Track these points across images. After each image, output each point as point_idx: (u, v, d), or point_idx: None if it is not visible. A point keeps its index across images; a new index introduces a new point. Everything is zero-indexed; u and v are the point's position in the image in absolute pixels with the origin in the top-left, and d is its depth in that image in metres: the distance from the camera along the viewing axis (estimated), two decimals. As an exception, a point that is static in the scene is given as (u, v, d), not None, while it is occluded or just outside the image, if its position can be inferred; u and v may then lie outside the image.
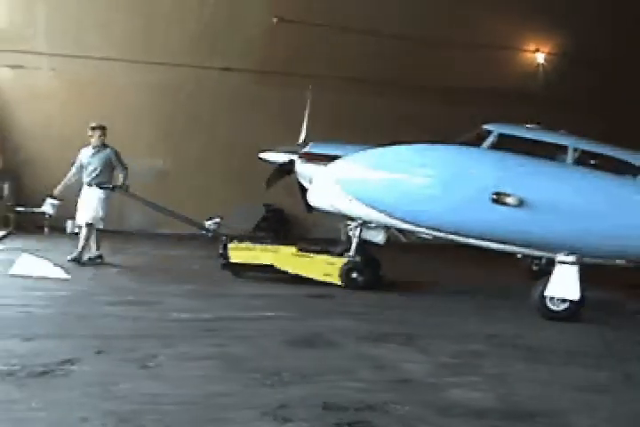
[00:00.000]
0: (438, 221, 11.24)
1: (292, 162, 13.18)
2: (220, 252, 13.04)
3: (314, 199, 12.72)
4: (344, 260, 12.68)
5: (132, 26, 19.48)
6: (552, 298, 10.98)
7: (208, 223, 13.60)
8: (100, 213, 13.44)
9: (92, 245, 13.60)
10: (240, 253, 12.96)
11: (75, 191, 13.60)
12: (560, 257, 10.82)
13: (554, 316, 11.01)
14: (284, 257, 12.88)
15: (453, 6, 20.27)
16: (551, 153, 11.50)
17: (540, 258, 11.59)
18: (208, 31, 19.73)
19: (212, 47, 19.82)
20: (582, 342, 10.04)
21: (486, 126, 11.66)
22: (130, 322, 9.14)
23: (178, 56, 19.54)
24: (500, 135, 11.38)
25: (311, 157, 12.81)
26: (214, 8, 19.71)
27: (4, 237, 16.65)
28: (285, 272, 12.74)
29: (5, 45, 18.65)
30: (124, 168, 13.71)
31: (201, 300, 11.07)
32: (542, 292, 10.99)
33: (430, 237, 12.12)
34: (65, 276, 11.92)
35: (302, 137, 13.37)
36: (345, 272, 12.55)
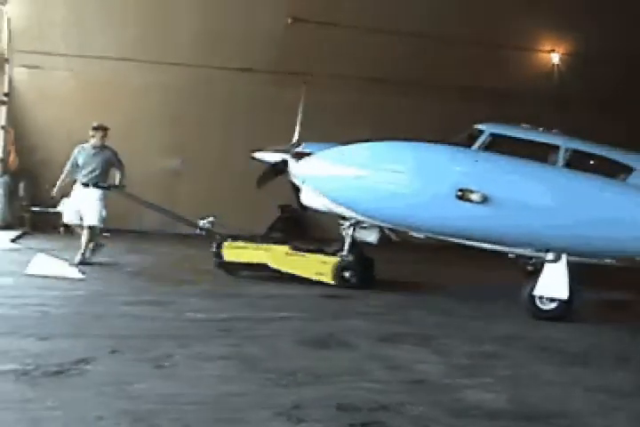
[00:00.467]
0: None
1: (285, 162, 13.20)
2: (214, 251, 13.05)
3: (307, 199, 12.79)
4: (337, 259, 12.67)
5: (148, 26, 19.51)
6: (541, 297, 10.98)
7: (202, 222, 13.65)
8: (104, 214, 13.38)
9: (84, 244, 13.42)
10: (234, 252, 13.01)
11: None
12: (549, 256, 10.86)
13: (543, 315, 11.02)
14: (278, 256, 12.90)
15: (472, 6, 20.19)
16: (543, 153, 11.53)
17: (531, 258, 11.57)
18: (224, 32, 19.71)
19: (227, 48, 19.80)
20: (596, 342, 10.02)
21: (478, 126, 11.68)
22: (145, 322, 9.16)
23: (193, 57, 19.55)
24: (492, 135, 11.40)
25: (304, 157, 12.82)
26: (230, 8, 19.71)
27: (20, 236, 16.72)
28: (279, 271, 12.75)
29: (22, 46, 18.73)
30: (122, 168, 13.65)
31: (215, 300, 11.09)
32: (531, 291, 11.01)
33: (422, 237, 12.16)
34: (80, 275, 11.95)
35: (295, 137, 13.36)
36: (337, 271, 12.54)
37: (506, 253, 11.69)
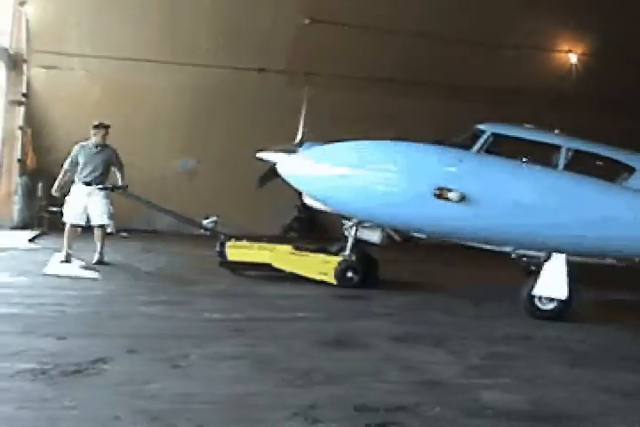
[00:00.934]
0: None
1: None
2: (218, 250, 13.08)
3: (309, 199, 12.83)
4: (339, 258, 12.69)
5: (165, 27, 19.57)
6: (540, 297, 10.99)
7: (205, 222, 13.66)
8: (111, 211, 13.39)
9: (68, 243, 13.28)
10: (237, 252, 13.01)
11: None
12: (543, 256, 10.90)
13: (542, 315, 11.01)
14: (281, 255, 12.92)
15: (485, 6, 20.16)
16: (545, 153, 11.53)
17: (533, 257, 11.57)
18: (240, 32, 19.74)
19: (244, 48, 19.82)
20: (609, 343, 10.00)
21: (479, 126, 11.68)
22: (161, 321, 9.20)
23: (210, 57, 19.59)
24: (493, 135, 11.40)
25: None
26: (246, 9, 19.75)
27: (38, 236, 16.79)
28: (282, 271, 12.77)
29: (40, 46, 18.79)
30: (122, 167, 13.60)
31: (230, 300, 11.11)
32: (530, 291, 11.01)
33: (424, 237, 12.18)
34: (97, 275, 12.01)
35: (299, 137, 13.36)
36: (340, 271, 12.54)
37: (508, 253, 11.68)
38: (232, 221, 14.12)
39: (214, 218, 13.64)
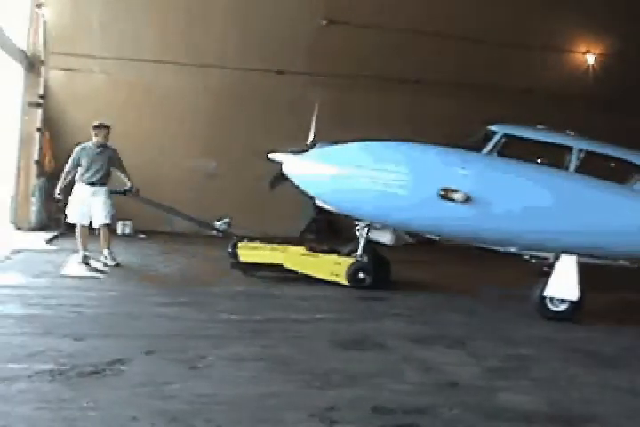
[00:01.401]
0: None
1: None
2: (230, 251, 13.09)
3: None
4: (351, 260, 12.67)
5: (183, 29, 19.60)
6: (552, 298, 10.96)
7: (218, 224, 13.66)
8: (113, 212, 13.36)
9: (83, 244, 13.34)
10: (249, 253, 13.02)
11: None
12: (552, 257, 10.89)
13: (553, 316, 10.99)
14: (293, 257, 12.92)
15: (501, 7, 20.12)
16: (557, 154, 11.49)
17: (545, 258, 11.54)
18: (258, 34, 19.76)
19: (263, 50, 19.84)
20: (627, 344, 9.96)
21: (491, 127, 11.65)
22: (179, 322, 9.19)
23: (228, 59, 19.61)
24: (505, 136, 11.38)
25: None
26: (264, 11, 19.77)
27: (56, 237, 16.83)
28: (294, 272, 12.76)
29: (59, 48, 18.84)
30: (124, 169, 13.56)
31: (248, 301, 11.11)
32: (542, 292, 10.98)
33: (437, 238, 12.15)
34: (115, 276, 12.02)
35: (310, 138, 13.34)
36: (352, 272, 12.51)
37: (521, 254, 11.65)
38: (246, 222, 14.10)
39: (227, 220, 13.64)
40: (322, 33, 20.04)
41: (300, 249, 13.19)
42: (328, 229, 20.28)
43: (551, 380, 7.67)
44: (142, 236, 17.50)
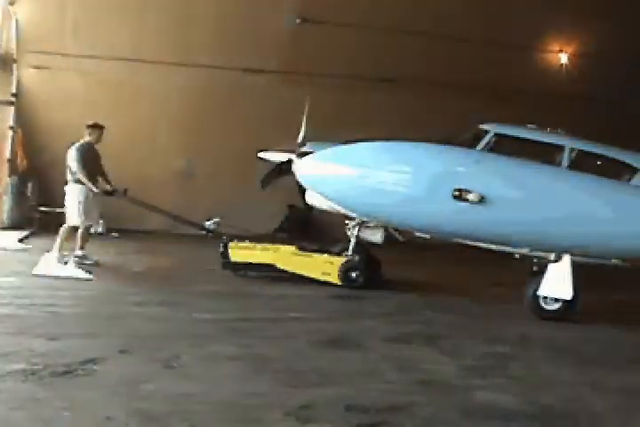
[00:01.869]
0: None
1: (290, 161, 13.17)
2: (221, 251, 13.03)
3: (312, 199, 12.78)
4: (343, 259, 12.66)
5: (159, 27, 19.50)
6: (545, 297, 10.99)
7: (208, 223, 13.61)
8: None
9: (82, 243, 13.35)
10: (240, 253, 12.96)
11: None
12: (551, 256, 10.85)
13: (547, 315, 11.02)
14: (284, 256, 12.87)
15: (481, 5, 20.16)
16: (548, 153, 11.51)
17: (535, 258, 11.55)
18: (234, 33, 19.70)
19: (234, 48, 19.78)
20: (609, 343, 9.99)
21: (483, 126, 11.66)
22: (155, 322, 9.13)
23: (205, 57, 19.55)
24: (497, 135, 11.38)
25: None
26: (242, 9, 19.72)
27: (28, 236, 16.71)
28: (285, 271, 12.74)
29: (33, 46, 18.72)
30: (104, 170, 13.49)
31: (226, 300, 11.04)
32: (535, 291, 11.00)
33: (428, 237, 12.13)
34: (88, 276, 11.94)
35: (301, 136, 13.30)
36: (343, 271, 12.51)
37: (511, 253, 11.66)
38: (227, 221, 14.03)
39: (217, 219, 13.61)
40: (296, 31, 20.00)
41: (292, 249, 13.10)
42: (302, 228, 20.25)
43: (529, 378, 7.69)
44: (115, 235, 17.37)
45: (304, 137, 13.07)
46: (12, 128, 18.67)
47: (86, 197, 13.03)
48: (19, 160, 18.53)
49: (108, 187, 13.38)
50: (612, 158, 11.21)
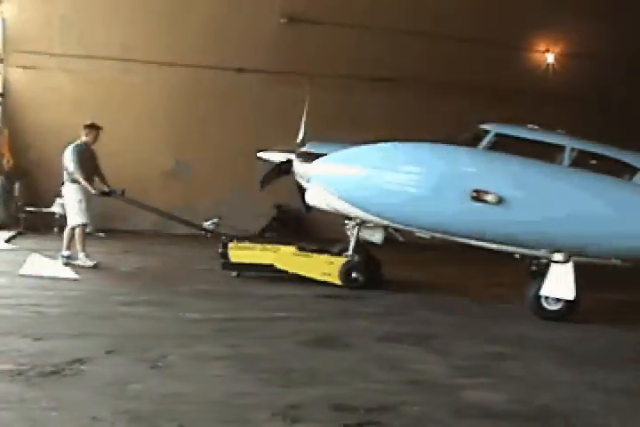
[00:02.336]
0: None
1: (289, 161, 13.15)
2: (220, 251, 13.01)
3: (312, 199, 12.75)
4: (343, 259, 12.64)
5: (146, 26, 19.50)
6: (547, 297, 10.97)
7: (206, 224, 13.59)
8: None
9: (67, 243, 13.25)
10: (240, 253, 12.94)
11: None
12: (555, 256, 10.83)
13: (548, 315, 10.98)
14: (284, 257, 12.86)
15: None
16: (549, 153, 11.49)
17: (535, 258, 11.55)
18: (220, 32, 19.71)
19: (224, 48, 19.79)
20: (606, 343, 9.95)
21: (483, 126, 11.64)
22: (142, 322, 9.10)
23: (191, 57, 19.54)
24: (497, 135, 11.36)
25: (309, 157, 12.74)
26: (225, 9, 19.71)
27: (14, 237, 16.67)
28: (285, 272, 12.72)
29: (18, 46, 18.69)
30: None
31: (214, 300, 11.01)
32: (537, 291, 10.99)
33: (428, 237, 12.11)
34: (75, 276, 11.91)
35: (300, 136, 13.28)
36: (344, 272, 12.49)
37: (511, 253, 11.64)
38: (226, 221, 14.02)
39: (216, 220, 13.59)
40: (282, 31, 20.00)
41: (292, 249, 13.08)
42: (290, 227, 20.25)
43: (522, 378, 7.63)
44: (101, 235, 17.33)
45: (303, 137, 13.07)
46: (-2, 128, 18.64)
47: (85, 195, 13.01)
48: (5, 160, 18.48)
49: (104, 187, 13.35)
50: (613, 158, 11.20)
